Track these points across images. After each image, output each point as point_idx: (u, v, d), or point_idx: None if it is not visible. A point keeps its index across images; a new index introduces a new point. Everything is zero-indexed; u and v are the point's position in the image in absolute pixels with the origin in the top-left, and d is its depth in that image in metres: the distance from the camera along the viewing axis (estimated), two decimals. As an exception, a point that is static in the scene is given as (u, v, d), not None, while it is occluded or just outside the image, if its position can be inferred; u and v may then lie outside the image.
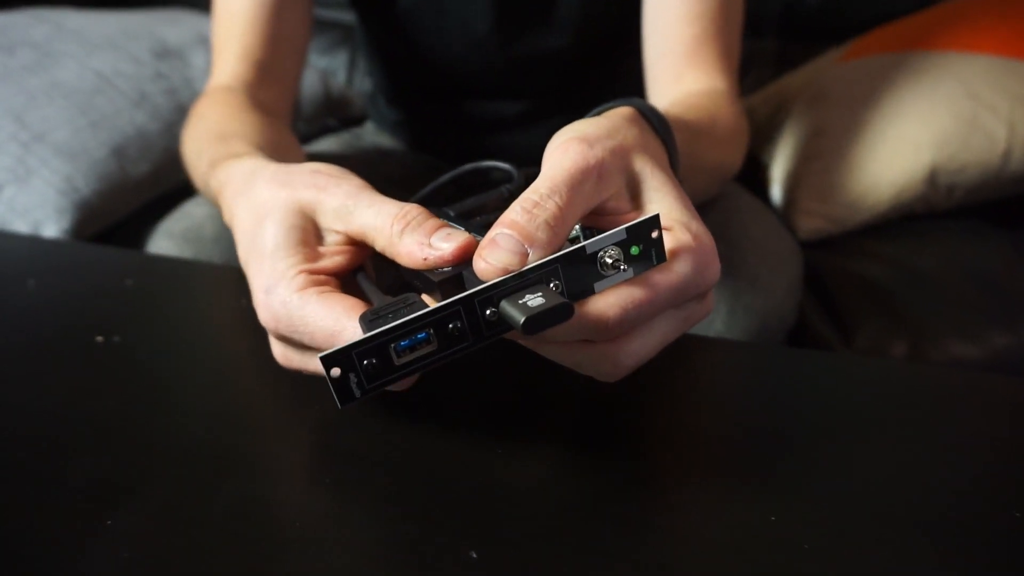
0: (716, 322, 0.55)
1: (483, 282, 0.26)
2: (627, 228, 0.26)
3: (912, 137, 0.76)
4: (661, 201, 0.29)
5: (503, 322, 0.25)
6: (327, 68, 1.33)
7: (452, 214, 0.35)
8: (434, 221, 0.29)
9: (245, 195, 0.35)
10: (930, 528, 0.30)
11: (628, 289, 0.26)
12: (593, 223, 0.30)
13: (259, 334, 0.36)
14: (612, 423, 0.36)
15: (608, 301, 0.26)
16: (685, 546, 0.29)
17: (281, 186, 0.33)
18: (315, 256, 0.31)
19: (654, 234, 0.27)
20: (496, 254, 0.26)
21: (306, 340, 0.30)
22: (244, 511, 0.30)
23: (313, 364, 0.31)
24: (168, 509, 0.30)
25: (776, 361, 0.44)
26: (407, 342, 0.25)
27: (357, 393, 0.25)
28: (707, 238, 0.29)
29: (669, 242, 0.28)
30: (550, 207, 0.26)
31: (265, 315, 0.31)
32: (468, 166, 0.40)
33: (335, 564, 0.27)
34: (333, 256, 0.32)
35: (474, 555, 0.28)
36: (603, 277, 0.26)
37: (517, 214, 0.26)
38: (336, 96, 1.13)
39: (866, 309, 0.70)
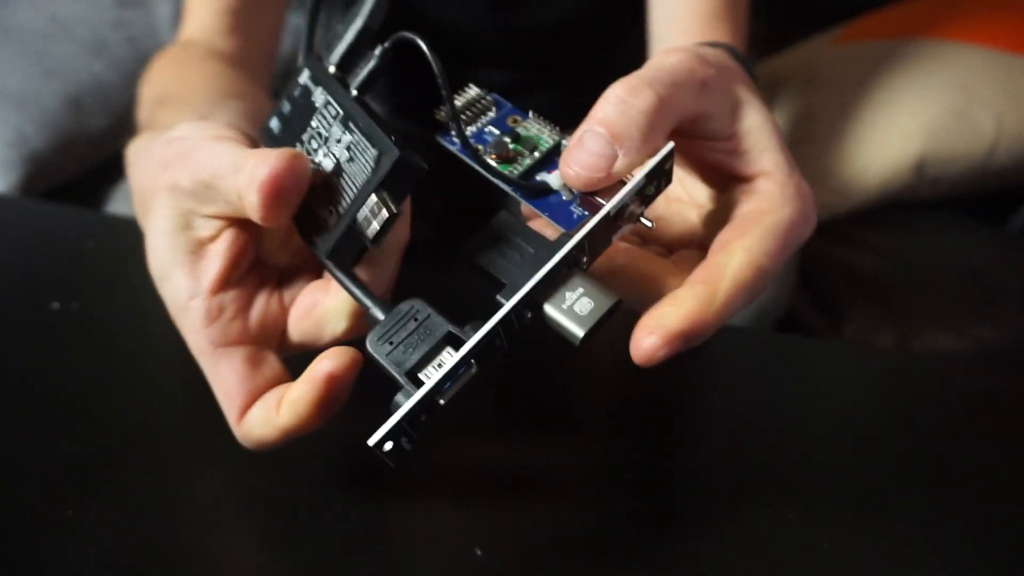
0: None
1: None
2: (647, 174, 0.23)
3: (903, 126, 0.76)
4: (765, 140, 0.25)
5: (537, 323, 0.23)
6: (296, 27, 1.28)
7: (332, 68, 0.26)
8: (258, 158, 0.23)
9: (131, 181, 0.30)
10: (919, 514, 0.29)
11: (749, 254, 0.23)
12: (683, 146, 0.26)
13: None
14: (619, 416, 0.34)
15: (736, 279, 0.22)
16: (701, 544, 0.27)
17: (144, 172, 0.27)
18: (198, 266, 0.25)
19: (668, 165, 0.23)
20: (582, 157, 0.22)
21: None
22: (227, 502, 0.27)
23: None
24: (140, 500, 0.27)
25: (780, 350, 0.42)
26: (450, 382, 0.22)
27: (409, 448, 0.22)
28: (808, 189, 0.25)
29: (775, 190, 0.24)
30: (647, 98, 0.22)
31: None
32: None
33: (335, 561, 0.25)
34: (217, 251, 0.25)
35: (479, 552, 0.26)
36: (619, 228, 0.24)
37: (609, 105, 0.22)
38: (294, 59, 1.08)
39: (855, 298, 0.69)
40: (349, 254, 0.25)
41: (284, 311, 0.27)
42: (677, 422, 0.35)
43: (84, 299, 0.39)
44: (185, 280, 0.25)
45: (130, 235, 0.50)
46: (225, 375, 0.25)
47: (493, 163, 0.25)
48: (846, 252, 0.75)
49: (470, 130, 0.26)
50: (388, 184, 0.23)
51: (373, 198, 0.23)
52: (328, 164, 0.25)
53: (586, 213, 0.23)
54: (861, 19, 0.93)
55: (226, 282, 0.25)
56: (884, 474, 0.32)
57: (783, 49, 0.99)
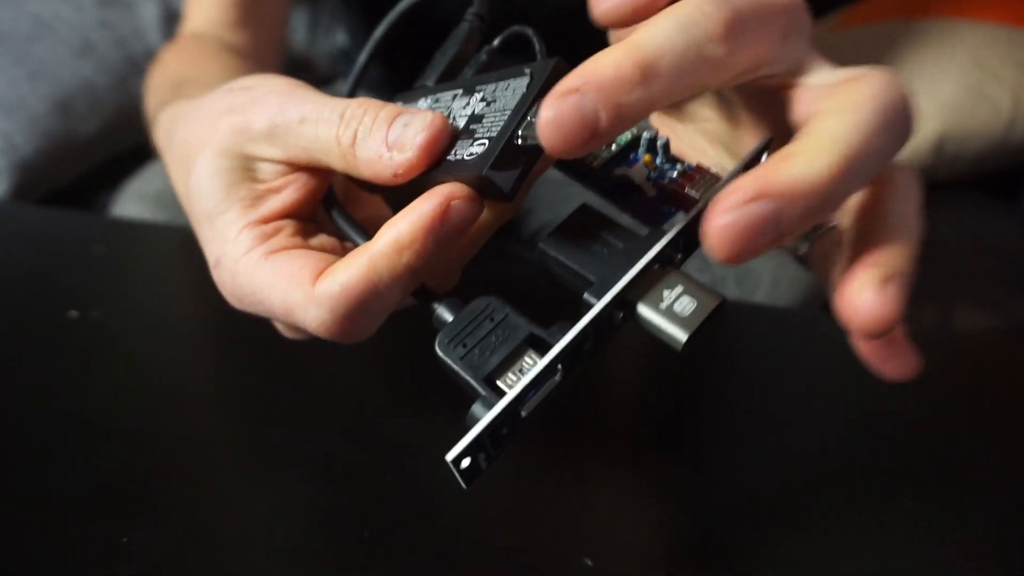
0: (758, 294, 0.51)
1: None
2: (745, 163, 0.20)
3: (919, 106, 0.75)
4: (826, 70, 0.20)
5: (629, 323, 0.20)
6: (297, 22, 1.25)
7: (430, 84, 0.27)
8: (388, 111, 0.21)
9: (170, 142, 0.27)
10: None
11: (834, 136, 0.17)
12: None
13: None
14: (719, 423, 0.32)
15: (824, 160, 0.16)
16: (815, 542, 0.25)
17: (198, 121, 0.25)
18: (255, 200, 0.23)
19: (764, 158, 0.21)
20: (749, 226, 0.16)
21: (268, 313, 0.23)
22: (292, 518, 0.25)
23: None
24: (193, 519, 0.25)
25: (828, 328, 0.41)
26: (534, 391, 0.19)
27: (485, 467, 0.19)
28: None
29: (854, 77, 0.19)
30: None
31: (224, 292, 0.24)
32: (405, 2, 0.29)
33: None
34: (278, 193, 0.23)
35: (589, 563, 0.23)
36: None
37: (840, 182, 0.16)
38: (299, 56, 1.05)
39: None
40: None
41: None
42: (770, 417, 0.33)
43: (103, 307, 0.36)
44: (242, 213, 0.23)
45: (138, 239, 0.48)
46: (288, 260, 0.21)
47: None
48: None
49: None
50: (543, 93, 0.20)
51: (535, 108, 0.20)
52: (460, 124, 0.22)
53: (673, 210, 0.21)
54: (858, 5, 0.92)
55: (287, 213, 0.23)
56: (956, 456, 0.30)
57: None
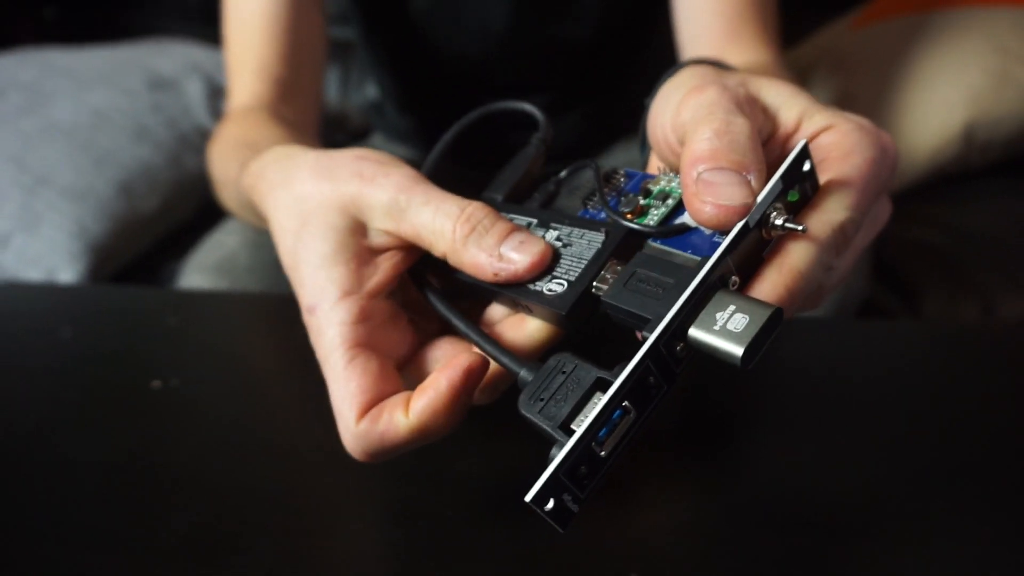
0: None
1: (626, 307, 0.22)
2: (782, 176, 0.21)
3: (943, 97, 0.75)
4: (797, 103, 0.25)
5: (693, 353, 0.21)
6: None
7: (500, 198, 0.30)
8: (504, 224, 0.26)
9: (284, 187, 0.30)
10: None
11: (840, 197, 0.22)
12: None
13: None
14: (727, 428, 0.34)
15: (833, 219, 0.22)
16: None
17: (323, 178, 0.28)
18: (362, 269, 0.27)
19: (806, 166, 0.22)
20: (719, 191, 0.21)
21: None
22: (378, 555, 0.27)
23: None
24: (283, 562, 0.27)
25: (866, 336, 0.41)
26: (605, 429, 0.20)
27: (575, 509, 0.20)
28: (864, 120, 0.24)
29: (829, 135, 0.24)
30: (741, 126, 0.22)
31: (310, 335, 0.27)
32: (476, 113, 0.33)
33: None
34: (383, 264, 0.27)
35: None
36: (769, 242, 0.22)
37: (707, 143, 0.21)
38: (334, 111, 1.10)
39: (929, 275, 0.68)
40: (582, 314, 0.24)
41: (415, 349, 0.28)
42: (812, 428, 0.34)
43: (181, 375, 0.40)
44: (349, 276, 0.26)
45: (207, 308, 0.52)
46: (356, 372, 0.25)
47: (629, 220, 0.25)
48: (911, 230, 0.73)
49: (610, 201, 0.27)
50: (618, 253, 0.24)
51: (609, 264, 0.24)
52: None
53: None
54: (874, 2, 0.93)
55: (383, 293, 0.27)
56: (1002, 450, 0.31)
57: (796, 42, 0.98)
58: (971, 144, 0.76)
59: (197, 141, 0.89)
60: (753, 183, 0.21)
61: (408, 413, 0.24)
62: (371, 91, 0.95)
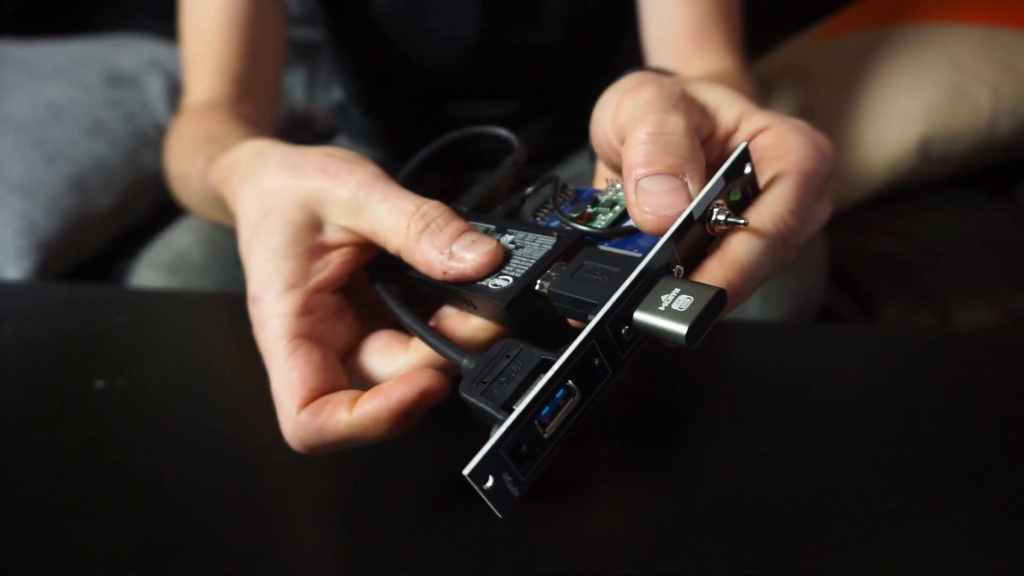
0: (751, 308, 0.53)
1: (584, 298, 0.21)
2: (724, 173, 0.22)
3: (901, 110, 0.76)
4: (733, 104, 0.26)
5: (639, 338, 0.21)
6: (286, 86, 1.29)
7: (464, 210, 0.30)
8: (458, 224, 0.26)
9: (252, 181, 0.30)
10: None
11: (780, 191, 0.23)
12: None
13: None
14: (688, 434, 0.33)
15: (774, 212, 0.23)
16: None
17: (289, 173, 0.28)
18: (311, 264, 0.27)
19: (747, 169, 0.23)
20: (655, 199, 0.21)
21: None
22: (328, 555, 0.26)
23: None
24: (228, 569, 0.26)
25: (822, 339, 0.42)
26: (548, 408, 0.19)
27: (516, 493, 0.19)
28: (800, 121, 0.26)
29: (766, 136, 0.25)
30: (676, 125, 0.22)
31: (253, 325, 0.27)
32: (455, 133, 0.33)
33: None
34: (334, 260, 0.27)
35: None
36: (712, 238, 0.22)
37: (643, 147, 0.22)
38: (300, 112, 1.09)
39: (887, 284, 0.69)
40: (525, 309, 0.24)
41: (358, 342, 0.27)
42: (771, 431, 0.34)
43: (128, 375, 0.38)
44: (296, 269, 0.26)
45: (159, 307, 0.50)
46: (298, 363, 0.25)
47: (578, 224, 0.25)
48: (870, 240, 0.75)
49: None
50: (567, 256, 0.24)
51: (560, 264, 0.24)
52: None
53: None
54: (838, 15, 0.94)
55: (330, 288, 0.27)
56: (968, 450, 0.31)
57: (761, 54, 1.00)
58: (928, 157, 0.77)
59: (156, 138, 0.87)
60: (690, 186, 0.22)
61: (352, 412, 0.23)
62: (337, 93, 0.94)
